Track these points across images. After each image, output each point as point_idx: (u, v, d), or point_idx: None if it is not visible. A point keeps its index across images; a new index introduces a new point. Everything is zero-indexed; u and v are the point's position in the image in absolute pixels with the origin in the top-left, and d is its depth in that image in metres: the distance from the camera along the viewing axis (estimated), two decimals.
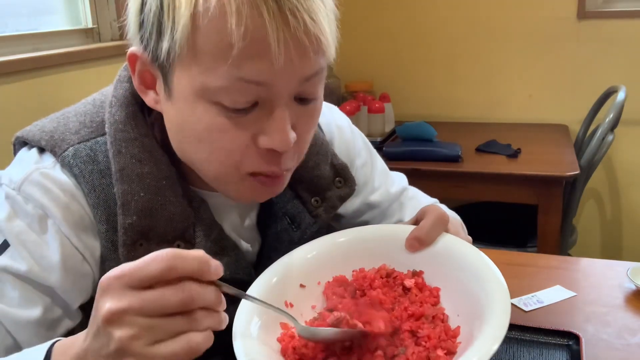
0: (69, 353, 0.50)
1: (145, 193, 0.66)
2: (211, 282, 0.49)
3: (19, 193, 0.64)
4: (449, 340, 0.56)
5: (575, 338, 0.81)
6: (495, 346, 0.49)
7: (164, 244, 0.66)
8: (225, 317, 0.50)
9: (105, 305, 0.46)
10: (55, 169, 0.66)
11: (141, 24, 0.61)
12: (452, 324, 0.59)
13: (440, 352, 0.54)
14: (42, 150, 0.68)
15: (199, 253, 0.48)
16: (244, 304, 0.60)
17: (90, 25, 1.92)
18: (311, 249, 0.69)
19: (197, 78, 0.58)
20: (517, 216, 2.29)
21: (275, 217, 0.77)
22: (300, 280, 0.66)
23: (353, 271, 0.67)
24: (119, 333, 0.45)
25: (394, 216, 0.92)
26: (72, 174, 0.66)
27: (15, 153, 0.71)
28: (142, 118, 0.69)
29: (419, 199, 0.96)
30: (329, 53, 0.61)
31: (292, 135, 0.61)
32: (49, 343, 0.54)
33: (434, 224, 0.66)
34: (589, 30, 2.52)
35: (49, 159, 0.67)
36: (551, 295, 0.95)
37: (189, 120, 0.62)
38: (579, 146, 2.33)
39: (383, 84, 2.83)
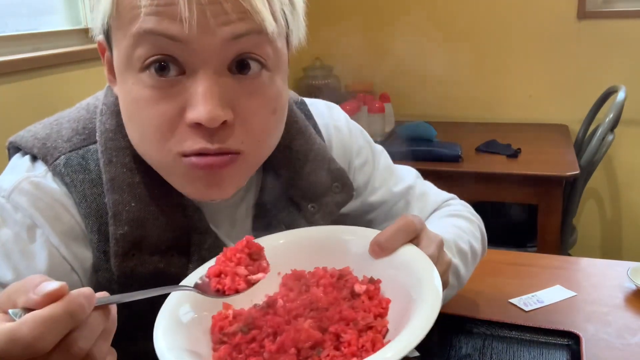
0: None
1: (137, 203, 0.64)
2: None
3: (8, 201, 0.63)
4: (371, 352, 0.52)
5: (576, 338, 0.81)
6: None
7: (157, 254, 0.65)
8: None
9: None
10: (47, 178, 0.65)
11: None
12: (389, 337, 0.55)
13: None
14: (34, 157, 0.67)
15: (64, 306, 0.40)
16: (188, 278, 0.59)
17: (90, 25, 1.91)
18: (276, 240, 0.66)
19: (121, 45, 0.59)
20: (517, 216, 2.29)
21: (271, 223, 0.75)
22: None
23: (315, 268, 0.64)
24: None
25: (400, 215, 0.88)
26: (64, 182, 0.65)
27: (9, 157, 0.71)
28: None
29: (428, 197, 0.92)
30: (262, 19, 0.57)
31: (224, 111, 0.57)
32: None
33: (397, 231, 0.61)
34: (589, 30, 2.52)
35: (40, 167, 0.66)
36: (551, 295, 0.95)
37: (123, 97, 0.61)
38: (579, 146, 2.33)
39: (383, 83, 2.83)
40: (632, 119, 2.35)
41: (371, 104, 2.47)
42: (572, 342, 0.81)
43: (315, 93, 2.62)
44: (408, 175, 0.93)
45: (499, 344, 0.81)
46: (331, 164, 0.79)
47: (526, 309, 0.91)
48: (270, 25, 0.57)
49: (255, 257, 0.58)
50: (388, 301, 0.58)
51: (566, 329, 0.83)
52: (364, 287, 0.59)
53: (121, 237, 0.63)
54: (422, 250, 0.60)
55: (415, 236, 0.62)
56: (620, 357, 0.79)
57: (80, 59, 1.72)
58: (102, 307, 0.44)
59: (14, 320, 0.40)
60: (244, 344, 0.54)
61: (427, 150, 2.11)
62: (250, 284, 0.56)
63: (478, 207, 2.62)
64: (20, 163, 0.67)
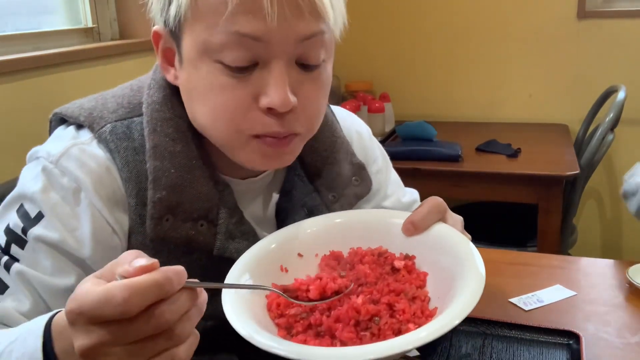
0: (65, 336, 0.49)
1: (176, 170, 0.69)
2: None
3: (56, 166, 0.67)
4: (423, 318, 0.58)
5: (576, 337, 0.81)
6: (453, 322, 0.51)
7: (189, 222, 0.70)
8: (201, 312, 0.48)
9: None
10: (92, 144, 0.69)
11: None
12: (432, 306, 0.61)
13: (411, 326, 0.56)
14: (79, 127, 0.72)
15: (153, 276, 0.44)
16: (239, 260, 0.65)
17: (90, 25, 1.92)
18: (313, 224, 0.72)
19: (200, 37, 0.63)
20: (517, 216, 2.29)
21: (294, 208, 0.79)
22: (298, 249, 0.70)
23: (350, 248, 0.70)
24: None
25: None
26: (108, 149, 0.69)
27: (50, 129, 0.75)
28: (178, 101, 0.72)
29: None
30: (328, 17, 0.63)
31: (292, 97, 0.63)
32: (44, 320, 0.52)
33: (430, 210, 0.68)
34: (589, 30, 2.52)
35: (86, 135, 0.71)
36: (551, 294, 0.95)
37: (195, 82, 0.66)
38: (579, 146, 2.33)
39: (383, 84, 2.84)
40: (632, 118, 2.35)
41: (371, 103, 2.47)
42: (572, 341, 0.81)
43: None
44: (412, 192, 1.01)
45: (498, 343, 0.81)
46: (353, 158, 0.85)
47: (526, 308, 0.91)
48: (333, 25, 0.65)
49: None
50: (425, 274, 0.65)
51: (566, 328, 0.83)
52: (402, 263, 0.65)
53: (158, 200, 0.68)
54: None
55: (442, 216, 0.69)
56: (620, 357, 0.79)
57: (80, 58, 1.71)
58: (192, 290, 0.47)
59: None
60: (304, 323, 0.59)
61: (427, 150, 2.11)
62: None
63: (478, 207, 2.61)
64: (65, 132, 0.72)
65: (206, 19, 0.62)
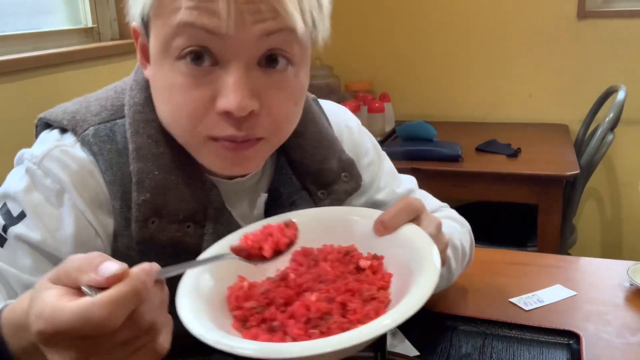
0: (22, 335, 0.49)
1: (160, 172, 0.68)
2: None
3: (39, 167, 0.67)
4: (374, 319, 0.56)
5: (576, 337, 0.81)
6: (386, 326, 0.50)
7: (175, 224, 0.69)
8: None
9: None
10: (75, 147, 0.69)
11: None
12: (392, 307, 0.59)
13: (359, 326, 0.55)
14: (63, 130, 0.71)
15: (130, 285, 0.43)
16: (208, 250, 0.63)
17: (90, 25, 1.92)
18: (290, 218, 0.70)
19: (160, 33, 0.63)
20: (517, 216, 2.29)
21: (282, 206, 0.78)
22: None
23: (322, 245, 0.68)
24: None
25: None
26: (91, 151, 0.69)
27: (37, 134, 0.75)
28: None
29: (426, 201, 0.96)
30: (292, 17, 0.61)
31: (251, 101, 0.61)
32: None
33: (400, 210, 0.65)
34: (589, 30, 2.52)
35: (69, 138, 0.70)
36: (551, 294, 0.95)
37: (158, 80, 0.66)
38: (579, 146, 2.33)
39: (383, 83, 2.84)
40: (632, 118, 2.35)
41: (371, 103, 2.47)
42: (572, 341, 0.81)
43: (315, 93, 2.62)
44: (409, 180, 0.98)
45: (499, 343, 0.81)
46: (342, 154, 0.83)
47: (526, 308, 0.91)
48: (299, 25, 0.62)
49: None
50: (390, 275, 0.62)
51: (566, 328, 0.83)
52: (368, 263, 0.63)
53: (143, 202, 0.67)
54: (422, 229, 0.64)
55: (416, 216, 0.65)
56: (620, 356, 0.79)
57: (80, 58, 1.71)
58: (159, 281, 0.47)
59: (84, 296, 0.43)
60: (258, 317, 0.58)
61: (427, 150, 2.11)
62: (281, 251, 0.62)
63: (478, 207, 2.62)
64: (49, 136, 0.71)
65: (165, 16, 0.61)
